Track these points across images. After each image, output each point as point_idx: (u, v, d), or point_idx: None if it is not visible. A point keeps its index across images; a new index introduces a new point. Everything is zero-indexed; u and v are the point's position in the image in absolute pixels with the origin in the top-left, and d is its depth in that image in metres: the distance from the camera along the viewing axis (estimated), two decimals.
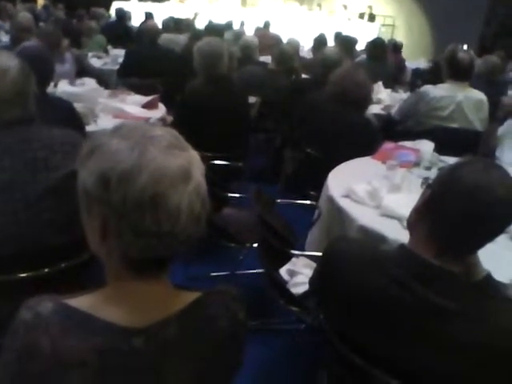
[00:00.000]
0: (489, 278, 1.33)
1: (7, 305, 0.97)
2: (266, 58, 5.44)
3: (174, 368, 0.85)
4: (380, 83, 4.84)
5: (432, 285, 1.15)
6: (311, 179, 2.78)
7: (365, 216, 2.00)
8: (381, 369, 1.24)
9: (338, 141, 2.89)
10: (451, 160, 1.24)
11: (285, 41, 6.51)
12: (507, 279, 1.59)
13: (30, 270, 1.54)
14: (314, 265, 1.92)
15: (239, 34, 6.43)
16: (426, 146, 2.82)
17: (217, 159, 2.89)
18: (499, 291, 1.36)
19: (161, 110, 3.55)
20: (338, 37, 7.00)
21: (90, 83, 3.69)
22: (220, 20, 8.28)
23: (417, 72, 7.91)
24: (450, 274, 1.15)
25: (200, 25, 7.98)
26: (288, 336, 2.51)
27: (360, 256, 1.29)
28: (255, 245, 2.40)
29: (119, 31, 7.42)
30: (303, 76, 5.03)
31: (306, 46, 8.23)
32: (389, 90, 5.00)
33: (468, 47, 7.91)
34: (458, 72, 3.51)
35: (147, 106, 3.48)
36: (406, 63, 8.26)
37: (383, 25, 13.49)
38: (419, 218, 1.23)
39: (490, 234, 1.16)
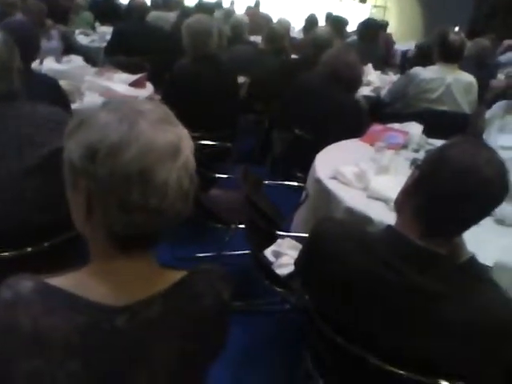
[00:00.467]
0: (473, 260, 1.33)
1: None
2: (257, 38, 5.38)
3: (157, 347, 0.84)
4: (370, 65, 4.82)
5: (417, 265, 1.15)
6: (299, 161, 2.78)
7: (352, 198, 2.00)
8: (364, 349, 1.25)
9: (327, 122, 2.88)
10: (439, 143, 1.24)
11: (275, 21, 6.44)
12: (491, 262, 1.60)
13: (14, 248, 1.53)
14: (299, 246, 1.92)
15: (229, 13, 6.33)
16: (415, 129, 2.82)
17: (205, 139, 2.86)
18: (483, 273, 1.37)
19: (148, 89, 3.51)
20: (329, 17, 6.95)
21: (76, 61, 3.63)
22: None
23: (406, 54, 7.87)
24: (435, 255, 1.16)
25: (190, 2, 7.86)
26: (273, 317, 2.53)
27: (346, 237, 1.29)
28: (242, 226, 2.40)
29: (107, 8, 7.27)
30: (293, 56, 4.99)
31: (296, 27, 8.15)
32: (378, 72, 4.98)
33: (459, 29, 7.88)
34: (449, 54, 3.49)
35: (134, 84, 3.43)
36: (397, 45, 8.22)
37: (375, 6, 13.39)
38: (407, 199, 1.23)
39: (476, 216, 1.16)
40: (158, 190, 0.77)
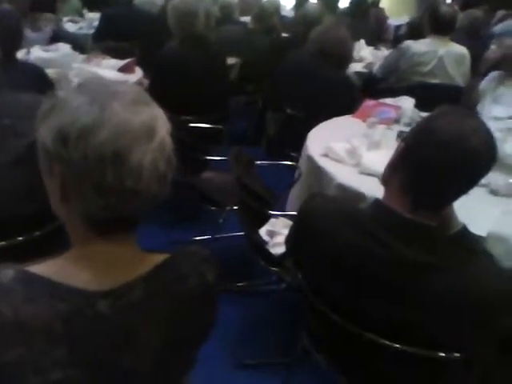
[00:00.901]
0: (464, 230, 1.33)
1: None
2: (247, 19, 5.30)
3: (141, 331, 0.84)
4: (362, 41, 4.77)
5: (404, 238, 1.14)
6: (293, 140, 2.75)
7: (343, 174, 1.98)
8: (358, 323, 1.25)
9: (318, 100, 2.85)
10: None
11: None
12: (483, 233, 1.59)
13: (4, 239, 1.51)
14: None
15: None
16: (407, 103, 2.79)
17: (197, 122, 2.84)
18: (475, 244, 1.36)
19: (137, 74, 3.47)
20: None
21: (63, 48, 3.58)
22: None
23: (399, 29, 7.77)
24: (423, 227, 1.15)
25: None
26: (270, 297, 2.53)
27: (334, 211, 1.28)
28: (236, 207, 2.38)
29: None
30: (284, 35, 4.92)
31: (287, 6, 8.04)
32: (371, 48, 4.92)
33: (452, 1, 7.78)
34: (440, 26, 3.46)
35: (123, 69, 3.39)
36: (390, 20, 8.10)
37: None
38: (393, 172, 1.21)
39: (463, 186, 1.15)
40: (132, 171, 0.76)
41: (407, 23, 6.77)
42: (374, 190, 1.82)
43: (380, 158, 1.95)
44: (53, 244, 1.59)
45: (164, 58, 3.08)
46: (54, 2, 6.32)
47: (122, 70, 3.40)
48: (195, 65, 2.98)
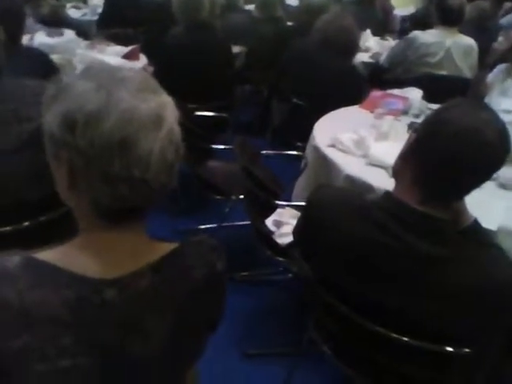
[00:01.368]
0: (475, 224, 1.31)
1: None
2: (253, 7, 5.25)
3: (149, 319, 0.83)
4: (368, 31, 4.71)
5: (417, 231, 1.13)
6: (298, 130, 2.73)
7: (351, 165, 1.97)
8: (366, 315, 1.24)
9: (325, 89, 2.83)
10: None
11: None
12: (494, 226, 1.58)
13: (11, 224, 1.50)
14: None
15: None
16: (415, 94, 2.77)
17: (201, 110, 2.82)
18: (485, 237, 1.34)
19: (141, 61, 3.44)
20: None
21: (68, 34, 3.55)
22: None
23: (406, 19, 7.69)
24: (434, 220, 1.13)
25: None
26: (276, 287, 2.53)
27: (343, 203, 1.27)
28: (242, 197, 2.37)
29: None
30: (288, 24, 4.87)
31: None
32: (377, 38, 4.87)
33: None
34: (448, 17, 3.42)
35: (127, 56, 3.36)
36: (396, 11, 8.02)
37: None
38: (404, 164, 1.19)
39: (476, 179, 1.13)
40: (140, 160, 0.74)
41: (412, 14, 6.71)
42: (381, 181, 1.81)
43: (388, 149, 1.94)
44: (59, 230, 1.58)
45: (169, 44, 3.06)
46: None
47: (126, 56, 3.37)
48: (200, 51, 2.96)
